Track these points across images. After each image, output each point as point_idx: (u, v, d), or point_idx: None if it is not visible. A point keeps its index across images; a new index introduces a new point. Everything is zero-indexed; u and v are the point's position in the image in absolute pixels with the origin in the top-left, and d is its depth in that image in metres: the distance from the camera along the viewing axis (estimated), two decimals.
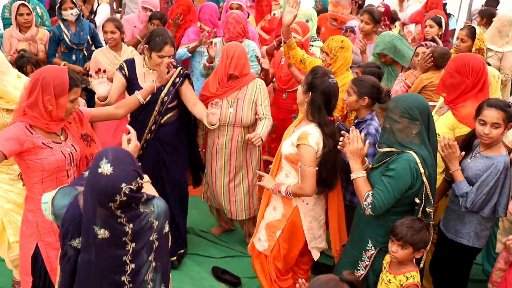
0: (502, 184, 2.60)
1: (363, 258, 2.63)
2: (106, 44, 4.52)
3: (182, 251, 3.72)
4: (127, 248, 1.89)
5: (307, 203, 2.87)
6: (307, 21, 4.62)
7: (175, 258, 3.62)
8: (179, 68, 3.40)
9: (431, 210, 2.47)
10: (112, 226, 1.83)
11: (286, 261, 3.01)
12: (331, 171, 2.75)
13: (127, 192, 1.75)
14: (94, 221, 1.81)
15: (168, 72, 3.12)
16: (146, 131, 3.36)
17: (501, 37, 4.75)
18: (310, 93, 2.68)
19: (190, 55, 4.68)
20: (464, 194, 2.63)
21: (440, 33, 4.67)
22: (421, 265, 2.57)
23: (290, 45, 3.66)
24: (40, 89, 2.26)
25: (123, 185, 1.74)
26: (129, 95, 3.33)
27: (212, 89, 3.54)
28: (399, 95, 2.76)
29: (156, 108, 3.32)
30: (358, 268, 2.64)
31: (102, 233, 1.82)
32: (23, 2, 4.83)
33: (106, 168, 1.74)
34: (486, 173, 2.58)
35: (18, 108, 2.35)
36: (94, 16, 6.35)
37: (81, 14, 5.02)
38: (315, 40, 4.65)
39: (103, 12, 6.29)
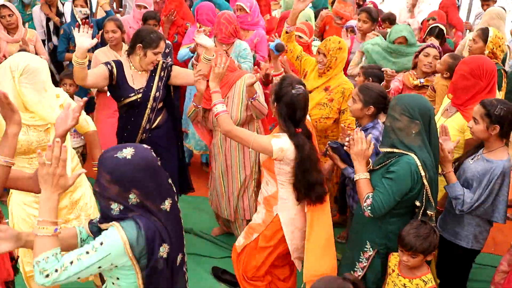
0: (499, 189, 2.60)
1: (360, 259, 2.64)
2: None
3: None
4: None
5: (289, 212, 2.78)
6: (306, 21, 4.65)
7: None
8: (161, 62, 3.37)
9: (432, 213, 2.48)
10: (167, 188, 1.84)
11: (257, 265, 2.92)
12: (304, 184, 2.66)
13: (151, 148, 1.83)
14: (159, 199, 1.80)
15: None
16: (141, 131, 3.34)
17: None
18: (276, 104, 2.62)
19: (192, 55, 4.69)
20: (459, 197, 2.63)
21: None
22: None
23: (290, 36, 3.62)
24: None
25: (145, 146, 1.81)
26: (119, 96, 3.31)
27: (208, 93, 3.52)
28: (401, 94, 2.76)
29: (149, 106, 3.30)
30: (356, 269, 2.65)
31: (167, 204, 1.82)
32: (4, 3, 4.80)
33: (126, 151, 1.73)
34: (485, 178, 2.58)
35: None
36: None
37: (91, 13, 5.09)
38: (314, 40, 4.67)
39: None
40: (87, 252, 1.71)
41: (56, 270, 1.67)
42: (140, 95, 3.26)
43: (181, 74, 3.41)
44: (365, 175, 2.52)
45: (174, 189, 1.91)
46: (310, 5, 6.89)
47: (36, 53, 4.84)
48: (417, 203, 2.45)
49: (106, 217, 1.78)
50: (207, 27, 4.69)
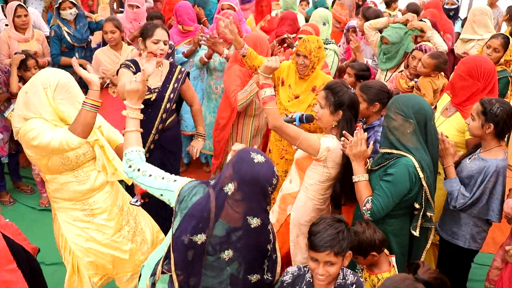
0: (493, 187, 2.60)
1: (356, 270, 2.62)
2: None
3: None
4: (270, 237, 1.95)
5: (300, 217, 2.79)
6: (324, 24, 4.56)
7: None
8: (179, 66, 3.42)
9: (431, 214, 2.48)
10: (264, 213, 1.88)
11: None
12: (347, 187, 2.65)
13: (277, 174, 1.88)
14: (251, 211, 1.86)
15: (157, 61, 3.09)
16: (153, 131, 3.33)
17: (478, 26, 4.82)
18: (340, 111, 2.61)
19: (186, 59, 4.71)
20: (454, 192, 2.64)
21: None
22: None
23: (250, 56, 3.38)
24: None
25: (275, 168, 1.89)
26: None
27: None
28: (398, 95, 2.77)
29: (163, 106, 3.30)
30: (357, 270, 2.64)
31: (255, 222, 1.87)
32: (20, 3, 4.78)
33: (259, 158, 1.86)
34: (480, 177, 2.59)
35: None
36: None
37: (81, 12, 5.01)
38: (329, 43, 4.57)
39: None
40: (162, 178, 2.01)
41: (139, 170, 2.04)
42: (155, 95, 3.26)
43: (188, 91, 3.48)
44: (364, 177, 2.51)
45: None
46: (311, 5, 6.92)
47: (43, 53, 4.89)
48: (417, 205, 2.45)
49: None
50: (190, 27, 4.70)
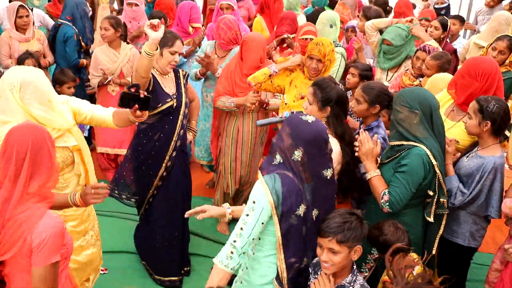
0: (491, 184, 2.62)
1: (367, 260, 2.63)
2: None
3: (188, 268, 3.69)
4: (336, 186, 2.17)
5: None
6: (331, 26, 4.49)
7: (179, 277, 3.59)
8: (180, 70, 3.38)
9: (444, 200, 2.52)
10: (331, 162, 2.07)
11: None
12: (352, 180, 2.68)
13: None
14: (323, 165, 2.02)
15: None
16: (175, 138, 3.26)
17: (498, 35, 4.78)
18: (328, 107, 2.63)
19: (185, 60, 4.69)
20: (453, 189, 2.64)
21: (442, 36, 4.68)
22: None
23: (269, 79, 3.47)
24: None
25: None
26: (155, 102, 3.09)
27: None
28: (403, 89, 2.80)
29: (181, 112, 3.26)
30: (362, 270, 2.64)
31: (329, 173, 2.05)
32: (22, 4, 4.75)
33: (309, 117, 2.02)
34: (478, 174, 2.61)
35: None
36: None
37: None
38: (337, 46, 4.43)
39: None
40: (247, 215, 2.01)
41: (235, 241, 2.03)
42: (175, 101, 3.20)
43: (189, 89, 3.52)
44: (377, 173, 2.54)
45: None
46: (309, 6, 6.89)
47: (44, 54, 4.85)
48: (430, 193, 2.49)
49: (266, 167, 2.07)
50: (200, 24, 4.70)
